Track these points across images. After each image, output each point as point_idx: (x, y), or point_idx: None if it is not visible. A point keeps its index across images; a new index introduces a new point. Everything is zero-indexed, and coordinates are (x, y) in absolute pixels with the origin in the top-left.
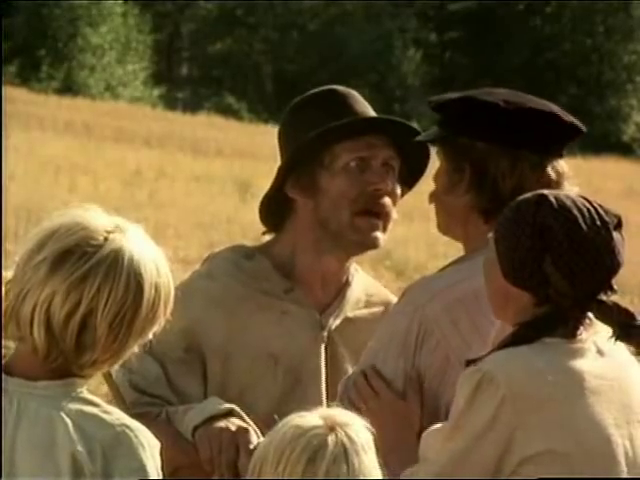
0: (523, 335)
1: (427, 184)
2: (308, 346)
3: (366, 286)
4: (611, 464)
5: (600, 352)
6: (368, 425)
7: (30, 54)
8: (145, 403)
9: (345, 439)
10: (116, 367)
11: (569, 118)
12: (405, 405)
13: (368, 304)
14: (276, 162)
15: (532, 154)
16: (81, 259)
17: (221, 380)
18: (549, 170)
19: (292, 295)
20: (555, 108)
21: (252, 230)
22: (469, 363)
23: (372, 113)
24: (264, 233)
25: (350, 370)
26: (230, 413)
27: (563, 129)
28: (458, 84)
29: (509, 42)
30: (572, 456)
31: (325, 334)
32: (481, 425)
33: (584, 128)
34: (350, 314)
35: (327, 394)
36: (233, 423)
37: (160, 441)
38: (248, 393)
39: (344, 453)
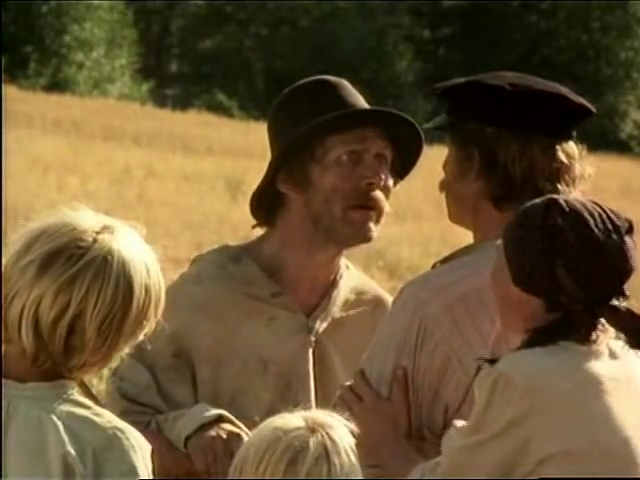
0: (536, 340)
1: (420, 183)
2: (296, 351)
3: (356, 284)
4: (629, 465)
5: (613, 354)
6: (350, 427)
7: (17, 51)
8: (135, 412)
9: (327, 440)
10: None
11: (578, 99)
12: (390, 406)
13: (357, 303)
14: (267, 160)
15: (542, 137)
16: (69, 261)
17: (212, 386)
18: (559, 153)
19: (279, 299)
20: (564, 90)
21: (243, 229)
22: (479, 367)
23: (363, 103)
24: (254, 227)
25: (340, 373)
26: (220, 419)
27: (572, 110)
28: None
29: (504, 39)
30: (589, 457)
31: (313, 338)
32: (499, 426)
33: (594, 109)
34: (338, 315)
35: (317, 398)
36: (224, 430)
37: (154, 451)
38: (239, 399)
39: (326, 454)
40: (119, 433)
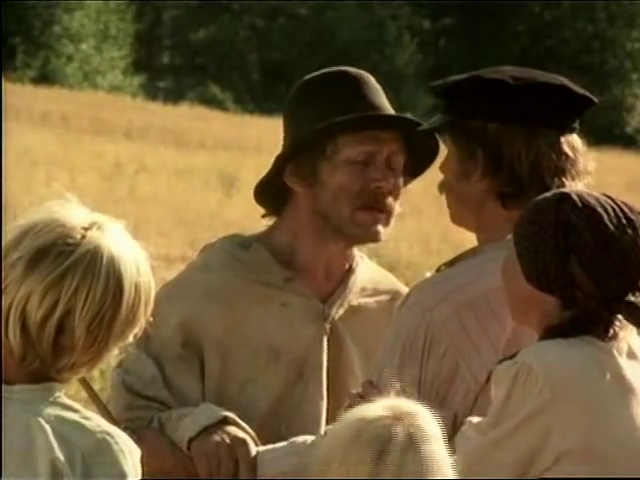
0: (554, 336)
1: (419, 179)
2: (311, 338)
3: (372, 274)
4: None
5: (632, 353)
6: (434, 414)
7: (4, 42)
8: (140, 407)
9: (414, 429)
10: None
11: (580, 90)
12: None
13: (375, 292)
14: (262, 155)
15: (547, 130)
16: (58, 258)
17: (220, 376)
18: (565, 145)
19: (292, 285)
20: (565, 81)
21: (237, 226)
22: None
23: (383, 98)
24: (263, 216)
25: (355, 362)
26: (224, 420)
27: (575, 101)
28: (454, 73)
29: (506, 29)
30: (609, 454)
31: (328, 325)
32: (519, 419)
33: (596, 99)
34: (355, 302)
35: (330, 387)
36: (229, 433)
37: (155, 452)
38: (248, 388)
39: (413, 443)
40: (108, 437)
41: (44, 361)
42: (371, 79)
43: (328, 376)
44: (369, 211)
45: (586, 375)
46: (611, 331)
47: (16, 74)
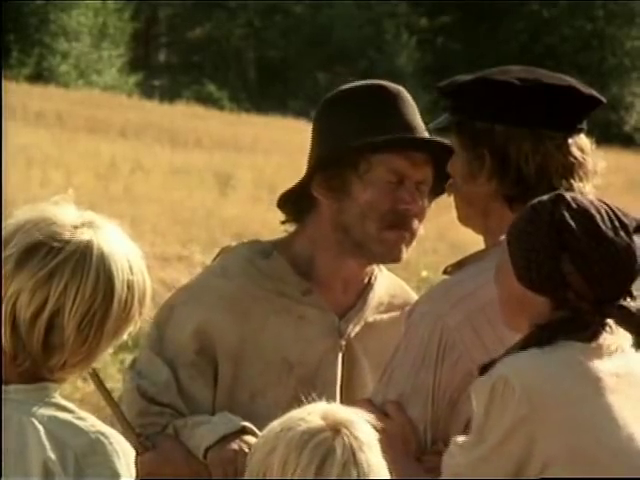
0: (537, 337)
1: None
2: (325, 354)
3: (389, 287)
4: (637, 462)
5: (612, 351)
6: (370, 420)
7: None
8: (153, 413)
9: (352, 440)
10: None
11: (587, 90)
12: (392, 422)
13: (390, 307)
14: (258, 154)
15: (554, 132)
16: (47, 256)
17: (231, 384)
18: (572, 147)
19: (310, 298)
20: (572, 81)
21: (233, 225)
22: (483, 370)
23: (417, 118)
24: (283, 222)
25: (369, 380)
26: (242, 430)
27: (582, 102)
28: (452, 72)
29: (505, 27)
30: (595, 456)
31: (343, 342)
32: (500, 434)
33: (603, 99)
34: (370, 319)
35: (342, 404)
36: (247, 443)
37: (170, 459)
38: (258, 399)
39: (353, 455)
40: (102, 438)
41: (35, 360)
42: (408, 96)
43: (340, 393)
44: (395, 230)
45: (564, 380)
46: (598, 335)
47: (11, 72)
